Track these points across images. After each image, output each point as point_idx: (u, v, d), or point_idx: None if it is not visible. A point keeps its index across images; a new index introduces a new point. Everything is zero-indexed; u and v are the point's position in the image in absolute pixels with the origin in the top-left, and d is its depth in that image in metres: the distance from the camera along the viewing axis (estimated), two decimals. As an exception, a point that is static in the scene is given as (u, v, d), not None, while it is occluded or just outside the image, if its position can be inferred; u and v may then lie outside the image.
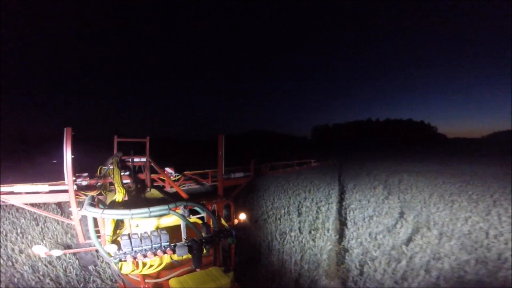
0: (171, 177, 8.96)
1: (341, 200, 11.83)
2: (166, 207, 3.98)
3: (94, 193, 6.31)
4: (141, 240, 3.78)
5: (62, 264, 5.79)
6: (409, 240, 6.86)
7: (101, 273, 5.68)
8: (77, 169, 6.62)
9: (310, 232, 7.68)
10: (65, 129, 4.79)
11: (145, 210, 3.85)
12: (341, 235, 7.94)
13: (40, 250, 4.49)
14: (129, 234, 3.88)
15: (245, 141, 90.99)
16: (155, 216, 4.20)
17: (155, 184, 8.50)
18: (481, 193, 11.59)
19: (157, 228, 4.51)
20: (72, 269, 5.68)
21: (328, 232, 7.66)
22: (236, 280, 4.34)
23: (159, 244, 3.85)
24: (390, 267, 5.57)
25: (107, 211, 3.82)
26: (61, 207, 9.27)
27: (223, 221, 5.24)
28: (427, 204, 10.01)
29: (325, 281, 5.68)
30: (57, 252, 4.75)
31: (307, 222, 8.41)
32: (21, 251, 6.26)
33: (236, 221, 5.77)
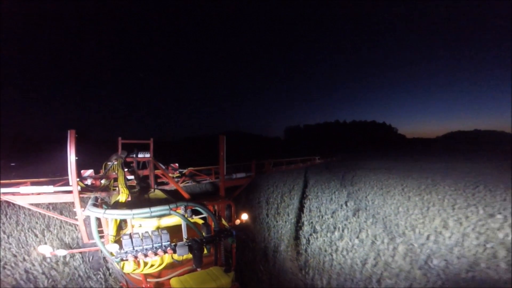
0: (175, 172, 9.11)
1: (303, 192, 14.16)
2: (167, 207, 4.07)
3: (98, 193, 6.53)
4: (142, 240, 3.85)
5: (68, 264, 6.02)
6: (346, 219, 9.23)
7: (105, 274, 5.92)
8: (82, 167, 7.11)
9: (274, 216, 9.78)
10: (68, 131, 4.67)
11: (147, 210, 3.96)
12: (298, 218, 10.15)
13: (45, 250, 4.52)
14: (130, 234, 3.97)
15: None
16: (156, 216, 4.34)
17: (159, 181, 8.67)
18: (415, 185, 14.56)
19: (158, 228, 4.68)
20: (78, 269, 5.91)
21: (288, 216, 9.81)
22: (236, 280, 4.40)
23: (160, 244, 3.92)
24: (327, 236, 7.81)
25: (109, 211, 3.92)
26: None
27: (223, 221, 5.34)
28: (368, 194, 12.65)
29: (284, 248, 7.76)
30: (61, 252, 4.79)
31: (273, 209, 10.51)
32: (28, 251, 6.54)
33: (238, 221, 5.85)
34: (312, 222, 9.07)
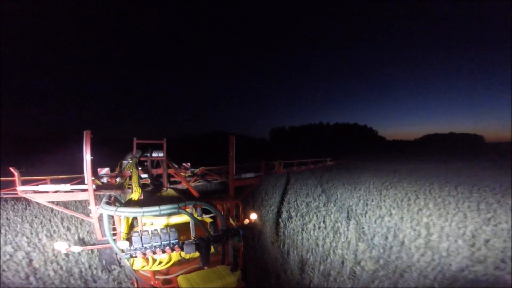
0: (187, 172, 9.47)
1: (284, 189, 16.24)
2: (176, 205, 4.15)
3: (113, 191, 6.69)
4: (151, 237, 3.94)
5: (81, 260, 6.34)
6: (317, 208, 11.36)
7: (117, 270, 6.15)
8: (98, 166, 7.91)
9: (259, 207, 11.76)
10: (84, 132, 4.74)
11: (156, 208, 4.07)
12: (279, 209, 12.20)
13: (61, 246, 4.65)
14: (139, 231, 4.08)
15: (206, 143, 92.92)
16: (165, 215, 4.44)
17: (172, 180, 8.93)
18: (380, 183, 17.01)
19: (167, 226, 4.80)
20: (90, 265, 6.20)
21: (271, 207, 11.81)
22: (242, 279, 4.43)
23: (168, 242, 4.00)
24: (300, 221, 9.88)
25: (120, 209, 4.06)
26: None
27: (231, 221, 5.42)
28: (338, 190, 14.93)
29: (266, 232, 9.74)
30: (76, 248, 4.91)
31: (257, 203, 12.49)
32: (44, 248, 6.97)
33: (247, 221, 5.91)
34: (289, 211, 11.13)
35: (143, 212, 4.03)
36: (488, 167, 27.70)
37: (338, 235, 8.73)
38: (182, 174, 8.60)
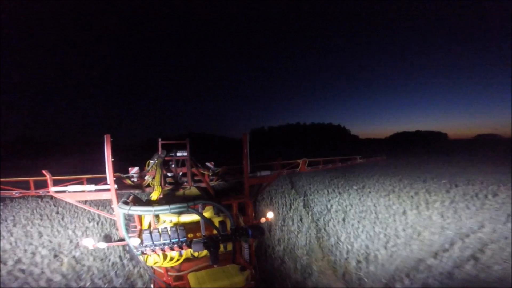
0: (209, 171, 9.57)
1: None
2: (185, 204, 4.23)
3: (132, 190, 6.99)
4: (160, 235, 4.04)
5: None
6: (291, 202, 12.31)
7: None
8: (127, 165, 8.34)
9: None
10: (105, 135, 4.96)
11: (166, 207, 4.20)
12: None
13: (88, 243, 4.89)
14: (150, 229, 4.19)
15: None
16: (175, 213, 4.61)
17: (195, 178, 9.12)
18: (343, 178, 18.31)
19: (176, 224, 4.85)
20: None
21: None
22: (252, 279, 4.43)
23: (177, 239, 4.07)
24: (282, 210, 10.97)
25: (133, 208, 4.21)
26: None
27: (241, 220, 5.49)
28: (309, 186, 16.66)
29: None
30: (102, 245, 5.15)
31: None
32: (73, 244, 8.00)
33: (263, 220, 5.97)
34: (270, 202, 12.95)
35: (154, 210, 4.18)
36: (449, 161, 30.52)
37: (302, 221, 10.64)
38: (205, 173, 8.71)
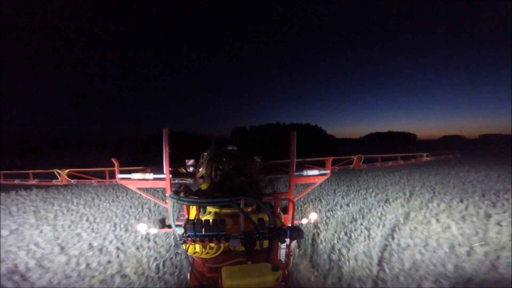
0: (256, 165, 9.68)
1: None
2: (228, 199, 4.33)
3: (184, 180, 7.43)
4: (202, 227, 4.16)
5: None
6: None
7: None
8: (182, 158, 8.75)
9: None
10: (163, 129, 5.21)
11: (210, 200, 4.44)
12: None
13: (142, 228, 5.37)
14: (194, 220, 4.34)
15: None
16: (218, 206, 4.87)
17: (244, 172, 9.27)
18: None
19: (219, 215, 5.01)
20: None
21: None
22: (283, 280, 4.44)
23: (216, 233, 4.16)
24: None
25: (182, 198, 4.40)
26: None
27: (281, 219, 5.46)
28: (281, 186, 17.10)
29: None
30: (153, 230, 5.64)
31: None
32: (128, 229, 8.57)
33: (305, 221, 5.89)
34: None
35: (200, 202, 4.56)
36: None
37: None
38: (252, 167, 8.86)
